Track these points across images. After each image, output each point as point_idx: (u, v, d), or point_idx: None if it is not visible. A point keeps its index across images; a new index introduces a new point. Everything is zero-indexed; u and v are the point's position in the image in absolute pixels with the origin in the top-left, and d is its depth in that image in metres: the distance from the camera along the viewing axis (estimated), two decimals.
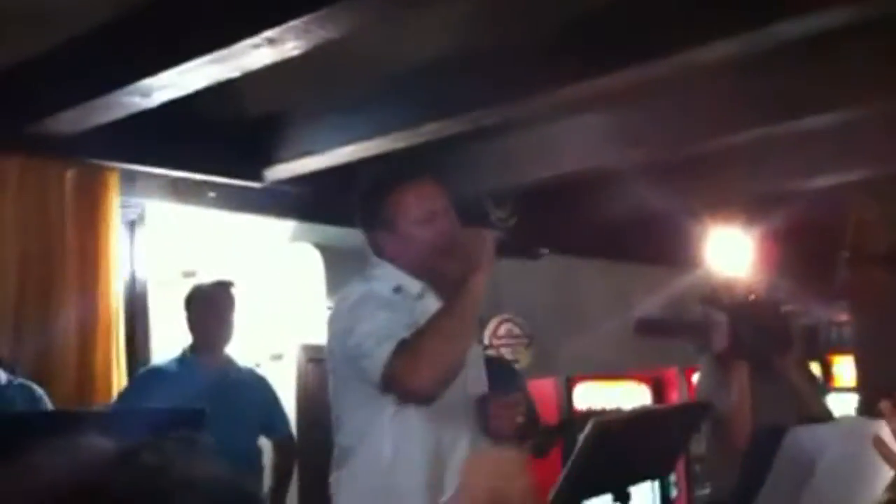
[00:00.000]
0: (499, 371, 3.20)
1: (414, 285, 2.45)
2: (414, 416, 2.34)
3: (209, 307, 4.13)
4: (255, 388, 4.24)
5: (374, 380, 2.28)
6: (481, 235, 2.40)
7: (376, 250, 2.50)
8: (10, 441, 1.56)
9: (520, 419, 2.57)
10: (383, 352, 2.25)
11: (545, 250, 2.59)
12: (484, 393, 2.57)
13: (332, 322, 2.48)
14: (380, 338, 2.27)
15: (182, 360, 4.10)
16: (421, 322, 2.35)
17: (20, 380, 3.67)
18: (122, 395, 4.06)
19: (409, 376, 2.25)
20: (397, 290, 2.42)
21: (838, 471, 3.13)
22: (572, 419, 3.44)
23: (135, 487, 0.72)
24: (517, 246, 2.57)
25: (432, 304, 2.44)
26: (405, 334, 2.28)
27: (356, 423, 2.41)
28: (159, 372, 4.07)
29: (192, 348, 4.13)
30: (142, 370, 4.27)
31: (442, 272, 2.43)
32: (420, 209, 2.44)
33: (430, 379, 2.25)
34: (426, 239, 2.43)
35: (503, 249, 2.41)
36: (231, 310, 4.17)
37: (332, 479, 2.48)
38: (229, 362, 4.17)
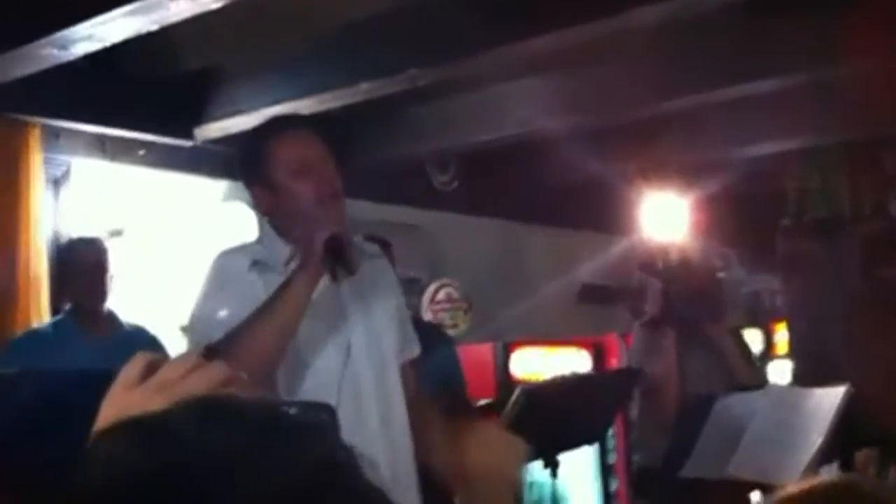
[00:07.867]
0: (427, 337, 3.13)
1: (283, 252, 2.27)
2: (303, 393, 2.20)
3: (81, 267, 3.89)
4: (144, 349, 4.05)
5: None
6: (318, 233, 2.16)
7: (256, 204, 2.39)
8: None
9: None
10: (198, 346, 2.16)
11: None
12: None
13: None
14: (202, 328, 2.21)
15: (60, 323, 3.89)
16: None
17: None
18: None
19: None
20: (254, 264, 2.29)
21: (766, 438, 3.13)
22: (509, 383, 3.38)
23: None
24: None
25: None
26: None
27: None
28: (37, 335, 3.85)
29: (72, 311, 3.92)
30: (20, 334, 4.00)
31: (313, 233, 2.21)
32: (294, 158, 2.31)
33: None
34: (301, 190, 2.29)
35: (343, 253, 2.20)
36: (106, 268, 3.91)
37: None
38: (114, 324, 3.92)
